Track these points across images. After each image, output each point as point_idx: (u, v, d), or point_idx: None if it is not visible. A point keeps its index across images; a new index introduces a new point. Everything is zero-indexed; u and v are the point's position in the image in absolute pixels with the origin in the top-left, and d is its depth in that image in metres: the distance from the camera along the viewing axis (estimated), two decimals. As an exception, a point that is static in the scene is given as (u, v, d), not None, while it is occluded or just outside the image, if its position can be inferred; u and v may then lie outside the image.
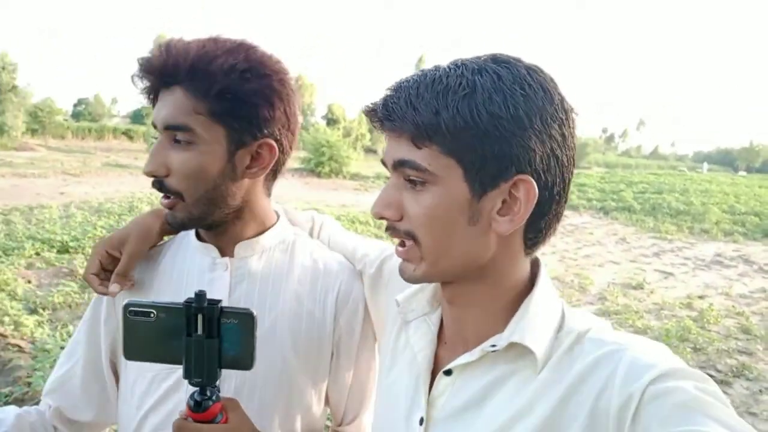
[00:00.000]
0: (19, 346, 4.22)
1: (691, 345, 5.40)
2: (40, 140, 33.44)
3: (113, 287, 0.99)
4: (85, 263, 4.83)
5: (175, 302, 0.77)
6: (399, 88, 0.71)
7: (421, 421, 0.80)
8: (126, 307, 0.77)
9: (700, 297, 7.36)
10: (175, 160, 0.92)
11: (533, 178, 0.69)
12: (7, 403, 3.37)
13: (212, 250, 1.03)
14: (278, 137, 0.96)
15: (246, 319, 0.76)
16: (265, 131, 0.94)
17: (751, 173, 68.37)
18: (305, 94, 50.55)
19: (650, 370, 0.63)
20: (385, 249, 1.11)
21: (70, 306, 5.31)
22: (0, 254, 6.59)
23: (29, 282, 5.87)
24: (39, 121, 33.60)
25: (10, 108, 31.02)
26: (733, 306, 7.00)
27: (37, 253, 6.85)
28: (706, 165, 63.38)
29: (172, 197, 0.94)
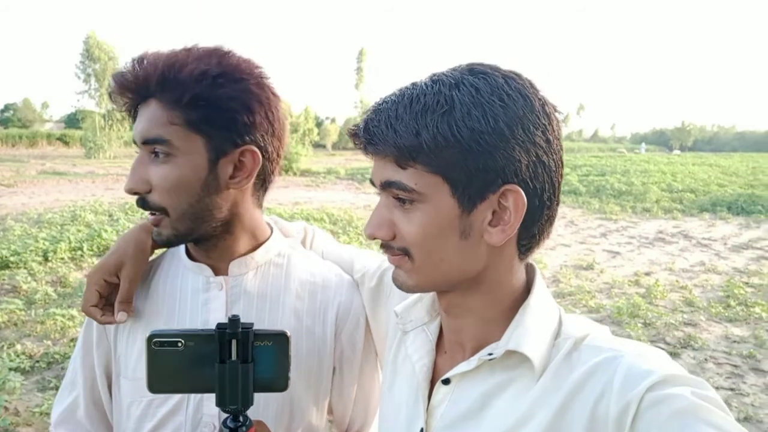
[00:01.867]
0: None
1: (642, 320, 5.65)
2: (-33, 150, 31.44)
3: (120, 316, 0.95)
4: (29, 278, 4.62)
5: (205, 329, 0.76)
6: (378, 110, 0.71)
7: (421, 431, 0.81)
8: (150, 338, 0.74)
9: (647, 274, 7.70)
10: (154, 175, 0.89)
11: (521, 187, 0.69)
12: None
13: (205, 269, 1.00)
14: (261, 143, 0.93)
15: (281, 340, 0.76)
16: (247, 138, 0.91)
17: (685, 152, 71.92)
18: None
19: (648, 377, 0.63)
20: (383, 261, 1.09)
21: (15, 324, 5.03)
22: (-68, 274, 6.18)
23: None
24: (-37, 130, 31.54)
25: (-69, 116, 29.00)
26: (676, 281, 7.36)
27: (-26, 271, 6.46)
28: (644, 146, 66.13)
29: (157, 213, 0.91)
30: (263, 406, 0.98)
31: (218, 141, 0.90)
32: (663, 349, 4.86)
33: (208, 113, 0.87)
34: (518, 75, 0.72)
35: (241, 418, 0.76)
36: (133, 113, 0.91)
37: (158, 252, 1.07)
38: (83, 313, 0.98)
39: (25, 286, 5.89)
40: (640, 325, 5.52)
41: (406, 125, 0.68)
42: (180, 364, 0.75)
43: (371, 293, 1.06)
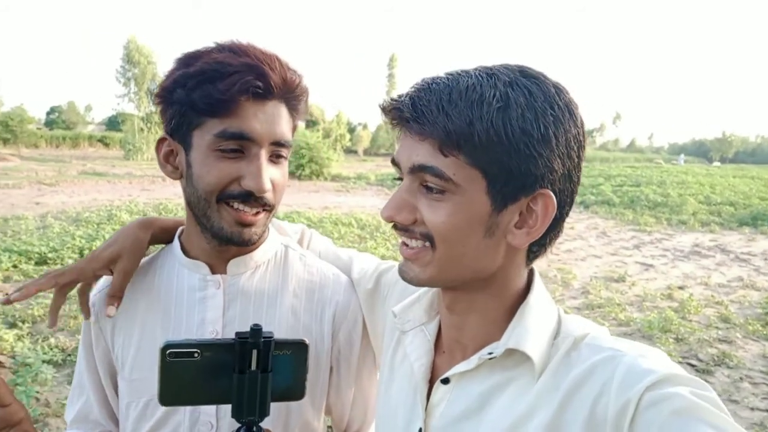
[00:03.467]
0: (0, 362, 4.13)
1: (674, 336, 5.48)
2: (13, 149, 32.77)
3: (110, 310, 0.96)
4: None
5: (224, 339, 0.74)
6: (428, 90, 0.68)
7: (420, 431, 0.80)
8: (164, 349, 0.71)
9: (680, 287, 7.48)
10: None
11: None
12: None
13: (202, 267, 1.00)
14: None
15: (300, 349, 0.75)
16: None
17: (725, 164, 69.80)
18: (284, 96, 50.12)
19: (647, 376, 0.62)
20: (380, 264, 1.10)
21: (50, 318, 5.20)
22: (-25, 268, 6.44)
23: (6, 294, 5.73)
24: (10, 131, 32.97)
25: (-19, 118, 30.37)
26: (712, 295, 7.13)
27: (15, 266, 6.71)
28: (682, 157, 64.38)
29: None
30: None
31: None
32: (695, 366, 4.73)
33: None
34: (566, 89, 0.72)
35: (254, 429, 0.75)
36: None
37: (152, 249, 1.08)
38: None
39: (61, 282, 6.07)
40: (671, 340, 5.36)
41: (460, 112, 0.65)
42: (195, 375, 0.72)
43: (368, 294, 1.06)
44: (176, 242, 1.04)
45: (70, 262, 6.86)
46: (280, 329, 1.01)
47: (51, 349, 4.41)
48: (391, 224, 0.75)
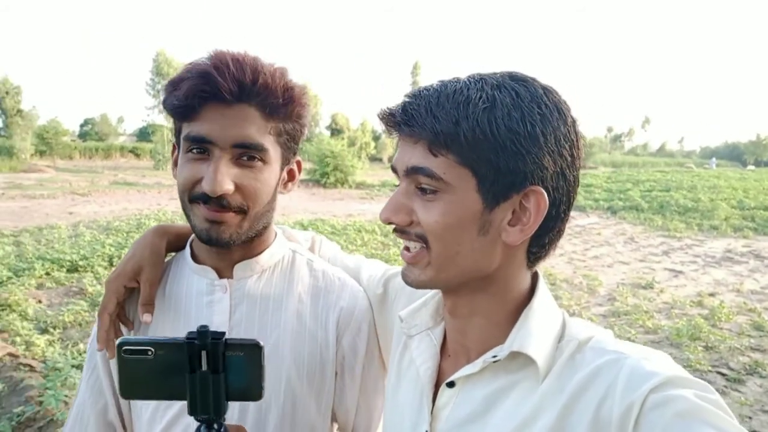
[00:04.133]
0: (31, 366, 4.26)
1: (703, 344, 5.34)
2: (48, 161, 33.82)
3: (146, 317, 0.98)
4: (94, 281, 4.82)
5: (175, 338, 0.75)
6: (419, 95, 0.72)
7: None
8: (120, 345, 0.74)
9: (711, 294, 7.29)
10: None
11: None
12: (19, 423, 3.40)
13: (209, 272, 1.02)
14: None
15: (252, 350, 0.74)
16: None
17: (760, 167, 67.74)
18: (310, 104, 50.63)
19: (651, 379, 0.63)
20: (388, 269, 1.11)
21: (80, 324, 5.35)
22: (11, 275, 6.66)
23: (40, 302, 5.92)
24: (46, 143, 34.04)
25: (18, 131, 31.52)
26: (744, 303, 6.92)
27: (47, 273, 6.92)
28: (714, 160, 62.80)
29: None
30: (265, 409, 0.99)
31: (288, 151, 1.01)
32: (726, 375, 4.60)
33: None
34: (555, 90, 0.74)
35: (215, 426, 0.76)
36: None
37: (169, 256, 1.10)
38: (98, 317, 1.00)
39: (90, 289, 6.26)
40: (701, 348, 5.22)
41: (447, 113, 0.68)
42: (151, 372, 0.74)
43: (378, 300, 1.08)
44: (187, 249, 1.07)
45: (100, 269, 7.07)
46: (285, 334, 1.01)
47: (80, 354, 4.53)
48: (393, 228, 0.78)
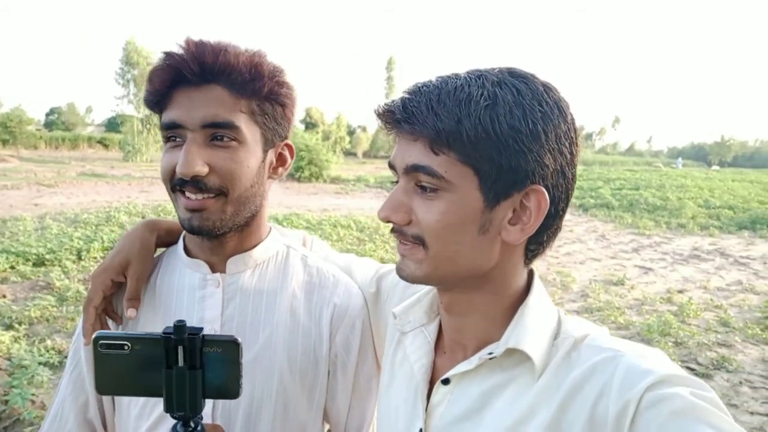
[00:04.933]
0: (-5, 361, 4.12)
1: (673, 339, 5.47)
2: (12, 151, 32.77)
3: (131, 312, 0.97)
4: (62, 275, 4.69)
5: (152, 333, 0.73)
6: (418, 92, 0.71)
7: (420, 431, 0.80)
8: (96, 339, 0.72)
9: (680, 291, 7.47)
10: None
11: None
12: (-16, 423, 3.27)
13: (202, 266, 1.00)
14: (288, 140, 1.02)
15: (230, 347, 0.73)
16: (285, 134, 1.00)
17: (724, 167, 69.88)
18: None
19: (647, 377, 0.63)
20: (380, 267, 1.10)
21: (47, 320, 5.18)
22: (-27, 269, 6.42)
23: (4, 296, 5.72)
24: (9, 132, 32.96)
25: (-20, 119, 30.39)
26: (711, 299, 7.11)
27: (12, 267, 6.68)
28: (680, 160, 64.38)
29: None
30: (256, 407, 0.97)
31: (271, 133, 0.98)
32: (695, 370, 4.72)
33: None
34: (555, 87, 0.74)
35: (192, 423, 0.75)
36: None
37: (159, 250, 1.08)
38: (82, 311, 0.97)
39: (58, 284, 6.07)
40: (670, 344, 5.34)
41: (449, 111, 0.67)
42: (127, 367, 0.73)
43: (371, 299, 1.07)
44: (180, 243, 1.04)
45: (68, 263, 6.87)
46: (278, 329, 1.00)
47: (48, 351, 4.39)
48: (390, 228, 0.76)
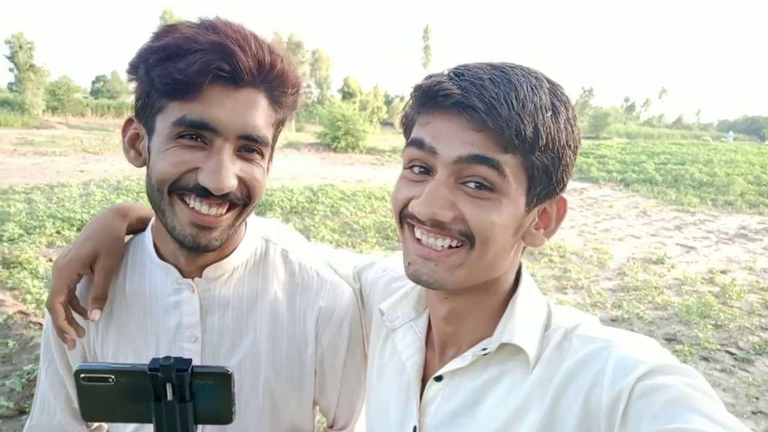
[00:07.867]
0: (41, 324, 4.31)
1: (713, 322, 5.30)
2: (61, 118, 33.79)
3: (95, 314, 0.91)
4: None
5: (137, 365, 0.71)
6: (491, 82, 0.66)
7: (414, 430, 0.81)
8: (78, 373, 0.70)
9: (723, 272, 7.22)
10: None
11: None
12: (29, 380, 3.45)
13: (172, 271, 0.93)
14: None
15: (222, 379, 0.71)
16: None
17: (779, 142, 66.49)
18: (322, 67, 50.19)
19: (638, 367, 0.63)
20: (357, 261, 1.09)
21: (90, 284, 5.38)
22: (22, 233, 6.72)
23: (50, 260, 5.97)
24: (58, 99, 33.89)
25: (30, 87, 31.44)
26: (756, 281, 6.85)
27: (58, 232, 6.97)
28: (731, 134, 61.69)
29: None
30: (244, 408, 0.95)
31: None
32: (735, 354, 4.57)
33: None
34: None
35: None
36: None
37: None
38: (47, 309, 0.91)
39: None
40: (710, 326, 5.18)
41: (530, 113, 0.66)
42: (112, 397, 0.71)
43: (357, 294, 1.06)
44: (148, 236, 0.96)
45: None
46: (260, 335, 0.97)
47: None
48: (419, 219, 0.71)
